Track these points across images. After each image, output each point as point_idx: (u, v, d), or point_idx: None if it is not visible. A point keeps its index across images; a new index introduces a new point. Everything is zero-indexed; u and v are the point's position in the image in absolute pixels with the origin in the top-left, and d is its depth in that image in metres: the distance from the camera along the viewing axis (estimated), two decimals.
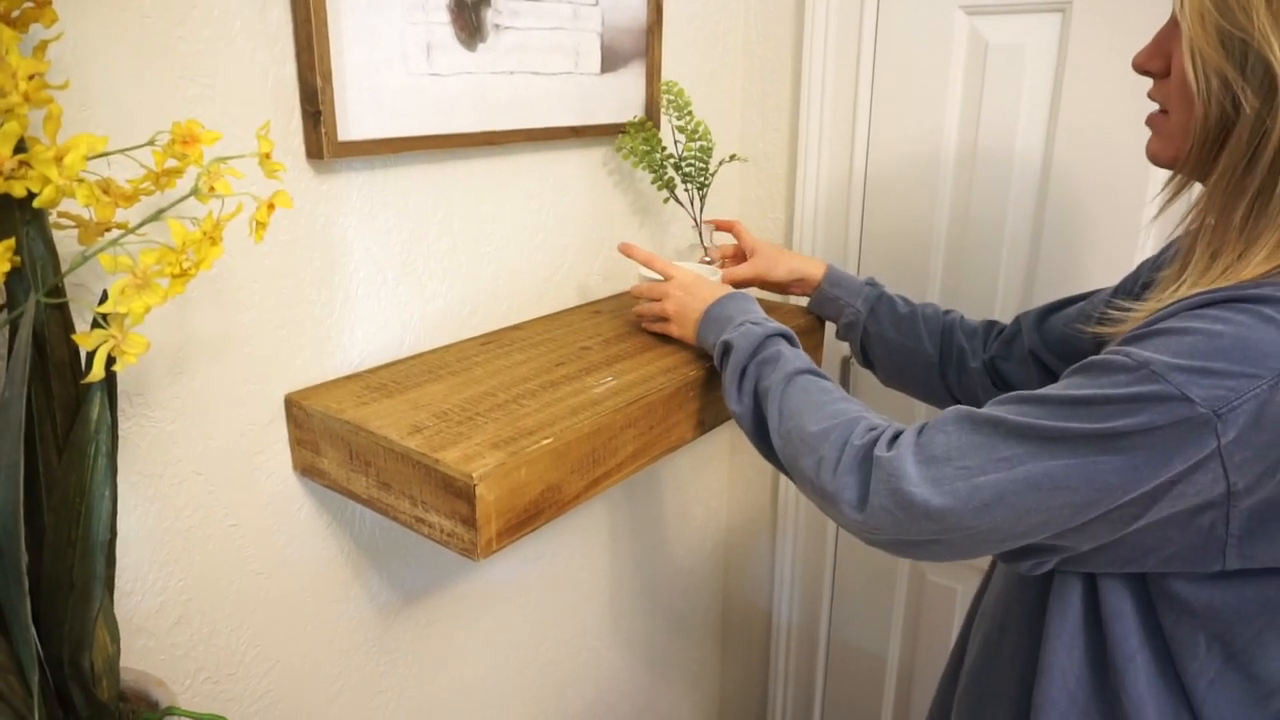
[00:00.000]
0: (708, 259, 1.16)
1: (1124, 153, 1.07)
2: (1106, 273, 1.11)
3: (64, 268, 0.55)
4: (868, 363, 1.06)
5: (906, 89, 1.22)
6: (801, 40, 1.28)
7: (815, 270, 1.06)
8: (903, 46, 1.21)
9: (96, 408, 0.55)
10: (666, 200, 1.18)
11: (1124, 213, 1.09)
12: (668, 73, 1.19)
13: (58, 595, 0.55)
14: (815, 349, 1.17)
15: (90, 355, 0.53)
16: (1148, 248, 1.09)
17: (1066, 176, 1.12)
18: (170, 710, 0.62)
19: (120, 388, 0.71)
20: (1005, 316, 1.22)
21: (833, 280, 1.05)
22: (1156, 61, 0.64)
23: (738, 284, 1.06)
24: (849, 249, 1.32)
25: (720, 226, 1.12)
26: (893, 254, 1.29)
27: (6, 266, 0.49)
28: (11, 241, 0.50)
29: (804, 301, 1.10)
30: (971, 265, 1.23)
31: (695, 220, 1.17)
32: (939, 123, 1.20)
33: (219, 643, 0.83)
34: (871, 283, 1.05)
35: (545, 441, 0.74)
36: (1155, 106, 0.67)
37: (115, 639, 0.60)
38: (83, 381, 0.54)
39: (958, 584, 1.36)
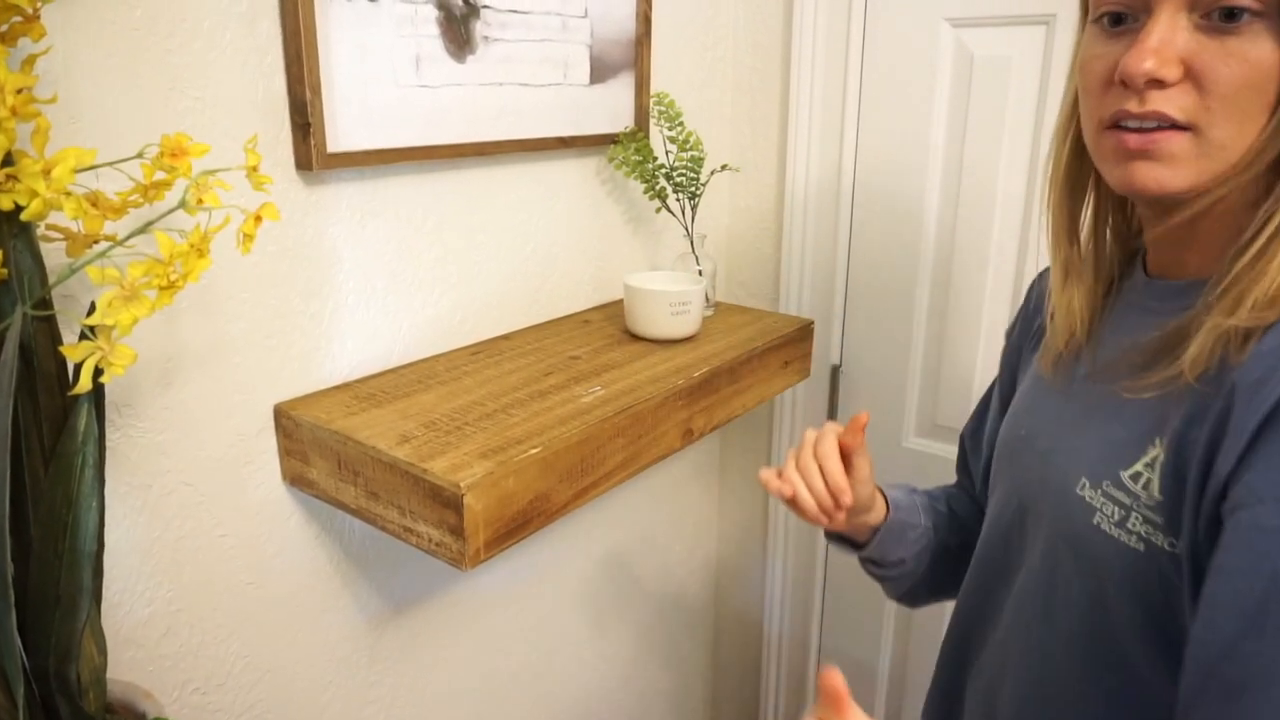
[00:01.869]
0: (699, 269, 1.17)
1: None
2: None
3: (51, 280, 0.55)
4: (933, 590, 0.86)
5: (894, 99, 1.23)
6: (790, 51, 1.29)
7: (878, 508, 0.79)
8: (890, 58, 1.22)
9: (84, 419, 0.55)
10: (659, 210, 1.19)
11: None
12: (657, 84, 1.19)
13: (44, 607, 0.55)
14: (804, 358, 1.17)
15: (78, 367, 0.53)
16: None
17: None
18: None
19: (109, 399, 0.71)
20: (994, 326, 1.23)
21: (894, 504, 0.80)
22: (1171, 68, 0.50)
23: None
24: (838, 258, 1.33)
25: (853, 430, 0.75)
26: (881, 263, 1.30)
27: None
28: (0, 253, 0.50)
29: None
30: (959, 272, 1.24)
31: (687, 230, 1.18)
32: (926, 133, 1.21)
33: (208, 654, 0.83)
34: (913, 490, 0.84)
35: (533, 451, 0.74)
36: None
37: (102, 650, 0.60)
38: (70, 393, 0.54)
39: None
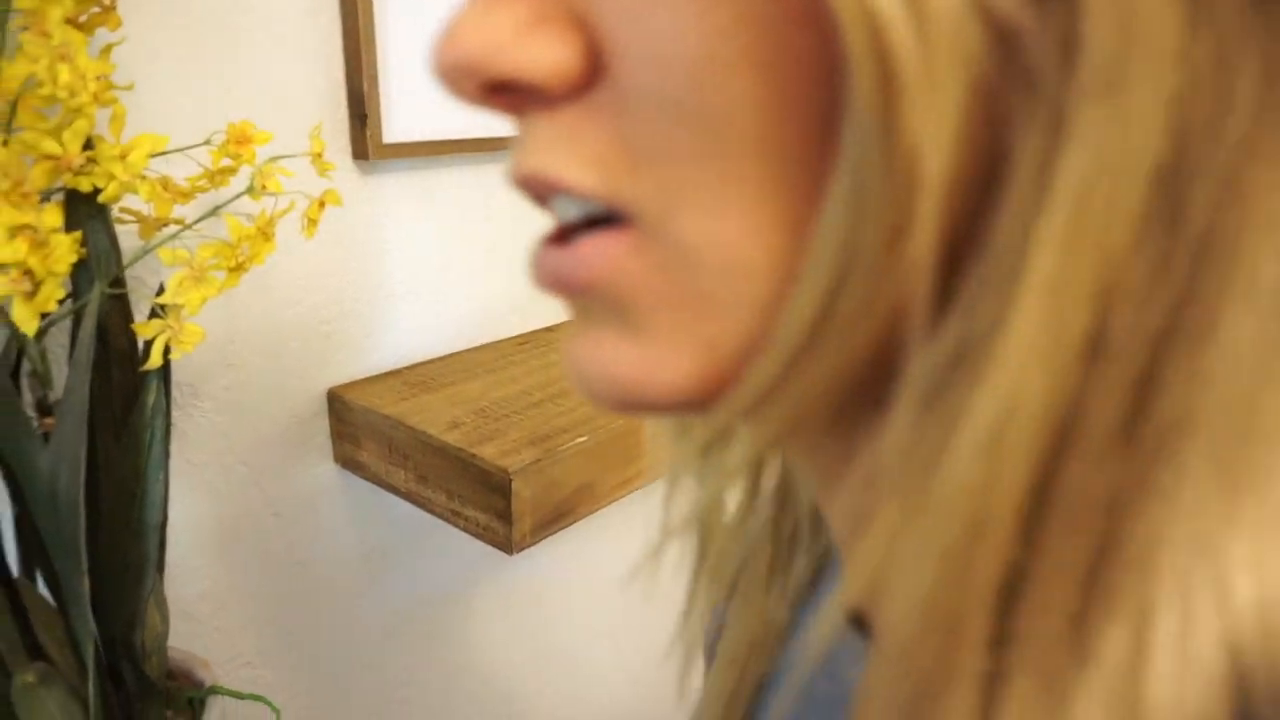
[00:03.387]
0: None
1: None
2: None
3: (125, 261, 0.57)
4: None
5: None
6: None
7: None
8: None
9: (153, 394, 0.57)
10: None
11: None
12: None
13: (113, 575, 0.58)
14: None
15: (148, 344, 0.55)
16: None
17: None
18: (213, 689, 0.64)
19: (174, 378, 0.73)
20: None
21: None
22: (531, 40, 0.16)
23: None
24: None
25: None
26: None
27: (74, 258, 0.51)
28: (79, 234, 0.52)
29: None
30: None
31: None
32: None
33: (256, 629, 0.86)
34: None
35: (580, 440, 0.75)
36: None
37: (165, 619, 0.63)
38: (140, 369, 0.56)
39: None
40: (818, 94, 0.14)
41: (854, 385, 0.16)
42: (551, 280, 0.19)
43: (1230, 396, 0.12)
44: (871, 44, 0.12)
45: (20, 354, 0.56)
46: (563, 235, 0.18)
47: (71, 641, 0.56)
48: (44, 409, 0.55)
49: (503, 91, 0.17)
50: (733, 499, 0.31)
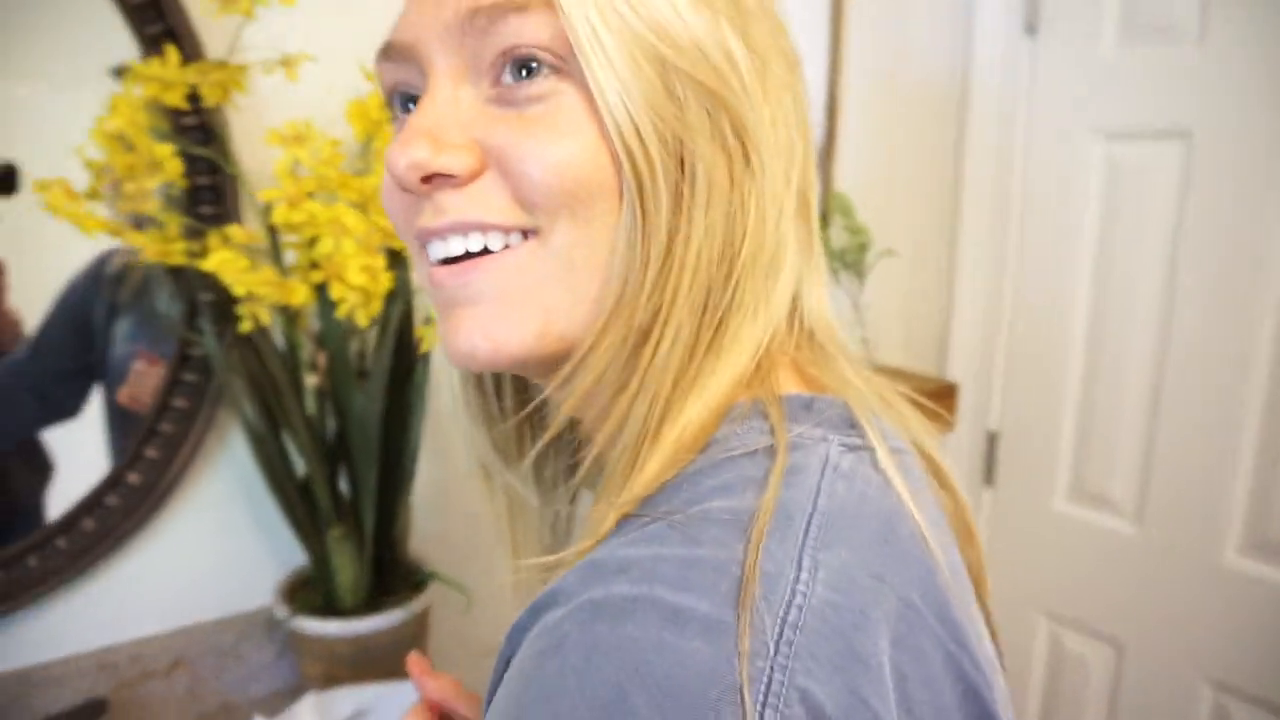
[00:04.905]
0: (862, 335, 1.42)
1: (1242, 254, 1.20)
2: (1230, 370, 1.22)
3: (413, 290, 0.95)
4: None
5: (1050, 204, 1.42)
6: (963, 156, 1.52)
7: None
8: (1047, 165, 1.42)
9: (418, 373, 0.93)
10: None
11: (1243, 323, 1.21)
12: (846, 180, 1.48)
13: (385, 476, 0.94)
14: (941, 415, 1.37)
15: (420, 339, 0.91)
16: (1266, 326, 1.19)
17: (1191, 285, 1.26)
18: (433, 574, 0.99)
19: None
20: (1139, 398, 1.34)
21: None
22: (456, 153, 0.37)
23: None
24: (999, 335, 1.51)
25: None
26: (1037, 342, 1.46)
27: (389, 286, 0.89)
28: (393, 273, 0.90)
29: None
30: (1109, 353, 1.38)
31: (854, 302, 1.44)
32: (1078, 233, 1.38)
33: (462, 566, 1.20)
34: None
35: None
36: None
37: (407, 516, 0.98)
38: (419, 353, 0.93)
39: (1089, 653, 1.45)
40: (618, 185, 0.36)
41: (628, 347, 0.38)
42: (462, 281, 0.38)
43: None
44: (634, 184, 0.36)
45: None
46: (447, 261, 0.38)
47: (355, 518, 0.92)
48: (361, 373, 0.93)
49: (429, 180, 0.37)
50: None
